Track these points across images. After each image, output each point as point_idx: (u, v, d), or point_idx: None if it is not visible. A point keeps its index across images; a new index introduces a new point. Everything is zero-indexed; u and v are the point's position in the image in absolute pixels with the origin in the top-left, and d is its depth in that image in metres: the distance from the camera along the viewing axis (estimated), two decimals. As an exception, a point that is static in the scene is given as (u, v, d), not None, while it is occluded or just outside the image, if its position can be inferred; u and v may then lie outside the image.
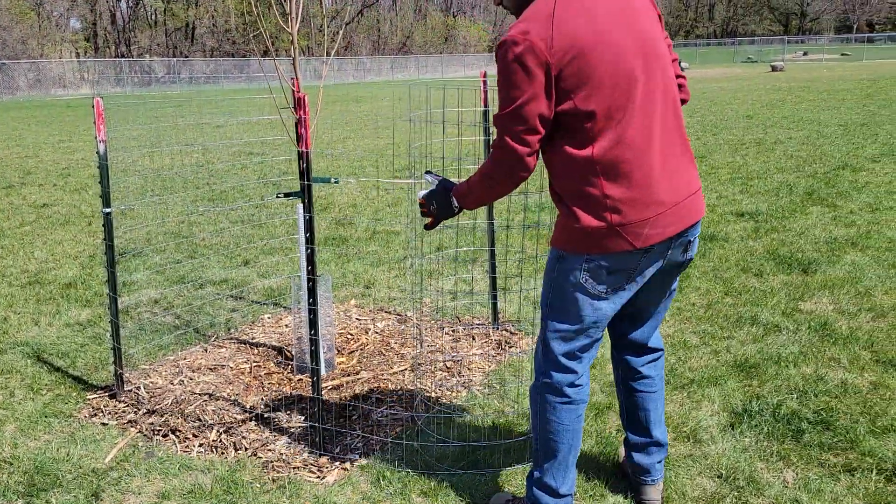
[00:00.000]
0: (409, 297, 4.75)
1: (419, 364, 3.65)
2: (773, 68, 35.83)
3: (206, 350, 3.96)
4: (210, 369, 3.70)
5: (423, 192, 2.44)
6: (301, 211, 3.53)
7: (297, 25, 3.40)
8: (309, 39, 68.49)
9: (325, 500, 2.66)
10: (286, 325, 4.27)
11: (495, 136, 2.10)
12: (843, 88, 20.54)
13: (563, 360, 2.23)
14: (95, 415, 3.38)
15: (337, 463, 2.86)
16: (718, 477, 2.66)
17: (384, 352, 3.81)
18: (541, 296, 2.30)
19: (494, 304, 4.02)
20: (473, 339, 3.94)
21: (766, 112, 15.57)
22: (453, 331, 4.06)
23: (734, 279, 4.69)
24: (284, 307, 4.65)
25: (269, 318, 4.44)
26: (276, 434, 3.07)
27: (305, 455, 2.92)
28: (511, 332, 4.01)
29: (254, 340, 4.06)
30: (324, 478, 2.79)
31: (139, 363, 3.86)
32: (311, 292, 2.80)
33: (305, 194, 2.71)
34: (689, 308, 4.26)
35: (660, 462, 2.52)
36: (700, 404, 3.16)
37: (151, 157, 11.83)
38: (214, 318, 4.50)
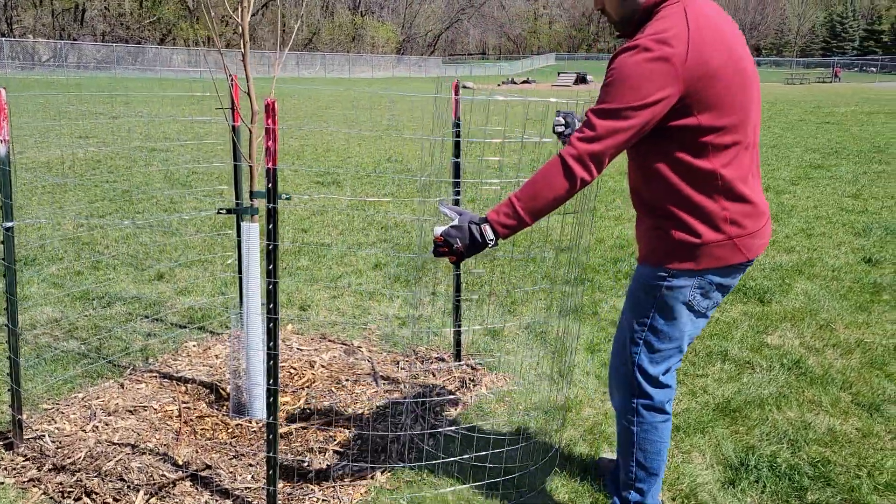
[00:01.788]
0: (352, 322, 4.32)
1: (377, 406, 3.24)
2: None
3: (122, 386, 3.40)
4: (129, 412, 3.16)
5: (440, 229, 2.07)
6: (248, 230, 3.06)
7: (248, 16, 2.95)
8: (209, 30, 66.00)
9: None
10: (216, 356, 3.75)
11: (582, 129, 1.96)
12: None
13: (663, 378, 2.24)
14: (-13, 471, 2.80)
15: (295, 535, 2.43)
16: (731, 547, 2.40)
17: (335, 390, 3.38)
18: (632, 317, 2.23)
19: (458, 338, 3.66)
20: (433, 375, 3.56)
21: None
22: (410, 366, 3.67)
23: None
24: (212, 332, 4.12)
25: (194, 346, 3.90)
26: (217, 498, 2.60)
27: (256, 525, 2.47)
28: (473, 368, 3.66)
29: (179, 374, 3.54)
30: (280, 554, 2.35)
31: (39, 401, 3.27)
32: (271, 335, 2.36)
33: (271, 218, 2.27)
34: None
35: None
36: (691, 456, 2.91)
37: (38, 149, 10.79)
38: (128, 345, 3.93)
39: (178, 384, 3.43)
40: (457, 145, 3.39)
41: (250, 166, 3.05)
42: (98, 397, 3.28)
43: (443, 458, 2.87)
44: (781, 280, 5.00)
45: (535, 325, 4.27)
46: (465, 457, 2.88)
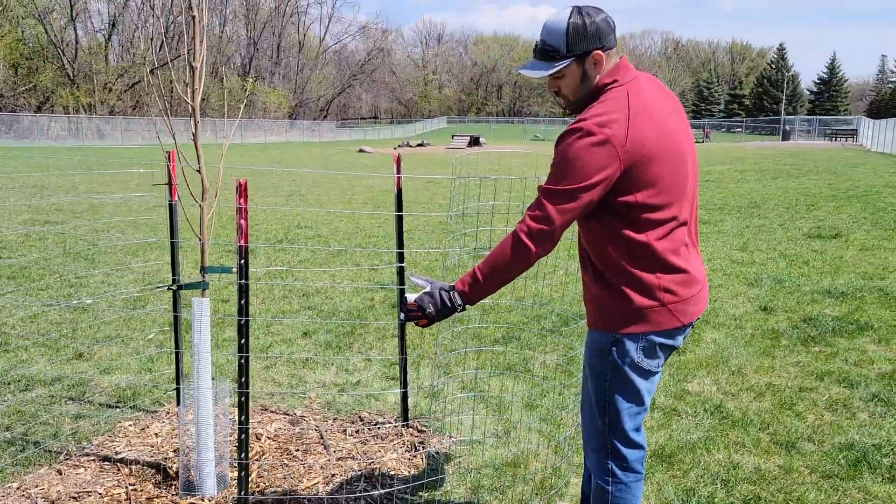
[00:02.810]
0: (290, 392, 4.31)
1: (332, 475, 3.26)
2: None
3: (59, 472, 3.27)
4: (73, 498, 3.04)
5: (412, 296, 2.23)
6: (199, 304, 3.08)
7: (200, 95, 3.03)
8: (92, 97, 64.01)
9: None
10: (156, 434, 3.66)
11: (534, 209, 2.14)
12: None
13: (633, 436, 2.35)
14: (-78, 573, 2.63)
15: None
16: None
17: (287, 462, 3.37)
18: (591, 381, 2.36)
19: (405, 399, 3.74)
20: (382, 439, 3.61)
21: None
22: (357, 431, 3.70)
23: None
24: (146, 410, 4.01)
25: (130, 425, 3.79)
26: (182, 580, 2.54)
27: None
28: (419, 430, 3.73)
29: (119, 455, 3.43)
30: None
31: (-32, 494, 3.10)
32: (243, 408, 2.38)
33: (243, 294, 2.32)
34: (585, 394, 4.25)
35: None
36: (637, 502, 3.08)
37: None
38: (57, 429, 3.78)
39: (119, 466, 3.32)
40: (399, 220, 3.53)
41: (201, 242, 3.08)
42: (36, 485, 3.14)
43: (405, 522, 2.92)
44: (692, 330, 5.37)
45: (473, 384, 4.40)
46: (426, 519, 2.95)
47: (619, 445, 2.35)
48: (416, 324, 2.31)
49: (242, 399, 2.36)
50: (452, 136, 50.04)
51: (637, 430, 2.36)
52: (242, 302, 2.32)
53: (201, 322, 3.08)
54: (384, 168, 24.24)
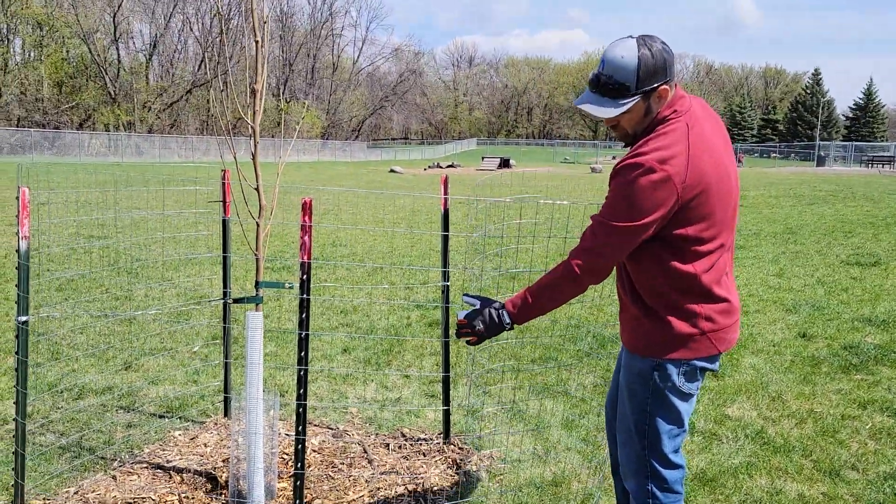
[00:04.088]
0: (332, 406, 4.39)
1: (377, 488, 3.32)
2: (593, 170, 38.90)
3: (114, 479, 3.38)
4: (129, 504, 3.15)
5: (463, 313, 2.34)
6: (253, 318, 3.18)
7: (259, 117, 3.15)
8: (132, 115, 65.45)
9: None
10: (205, 444, 3.76)
11: (588, 241, 2.19)
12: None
13: (673, 457, 2.38)
14: (-12, 571, 2.74)
15: None
16: None
17: (332, 475, 3.44)
18: (629, 405, 2.40)
19: (447, 416, 3.80)
20: (424, 455, 3.67)
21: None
22: (400, 447, 3.77)
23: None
24: (193, 421, 4.12)
25: (180, 434, 3.90)
26: (236, 585, 2.62)
27: None
28: (460, 447, 3.78)
29: (170, 464, 3.53)
30: None
31: (28, 497, 3.21)
32: (300, 419, 2.47)
33: (304, 309, 2.42)
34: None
35: None
36: (680, 524, 3.10)
37: (-28, 237, 10.47)
38: (110, 437, 3.89)
39: (171, 474, 3.43)
40: (445, 239, 3.62)
41: (257, 258, 3.19)
42: (93, 491, 3.25)
43: (450, 537, 2.97)
44: (730, 355, 5.36)
45: (512, 403, 4.45)
46: (470, 534, 3.00)
47: (658, 467, 2.37)
48: (467, 342, 2.40)
49: (300, 410, 2.44)
50: (483, 158, 50.27)
51: (676, 451, 2.39)
52: (304, 316, 2.41)
53: (254, 335, 3.19)
54: (416, 188, 24.43)
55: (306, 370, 2.44)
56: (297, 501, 2.46)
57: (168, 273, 8.30)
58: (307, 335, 2.43)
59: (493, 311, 2.34)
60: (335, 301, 7.14)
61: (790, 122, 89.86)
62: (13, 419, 2.83)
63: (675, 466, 2.39)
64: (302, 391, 2.45)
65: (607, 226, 2.15)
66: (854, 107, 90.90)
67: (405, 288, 7.84)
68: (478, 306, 2.38)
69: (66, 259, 9.08)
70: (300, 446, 2.46)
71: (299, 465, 2.46)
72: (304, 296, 2.41)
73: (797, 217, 15.03)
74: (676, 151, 2.10)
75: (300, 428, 2.45)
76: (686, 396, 2.34)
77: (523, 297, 2.32)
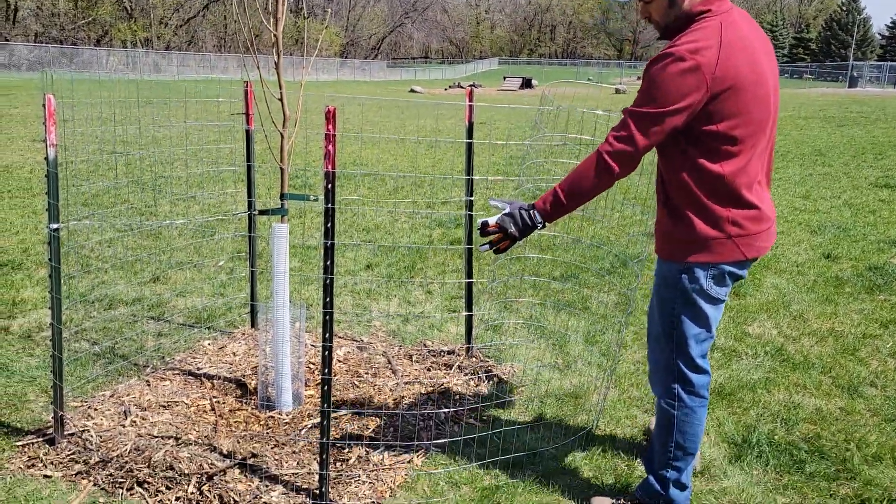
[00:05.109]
0: (356, 319, 4.47)
1: (401, 396, 3.41)
2: (617, 90, 38.08)
3: (147, 384, 3.49)
4: (163, 407, 3.26)
5: (493, 218, 2.38)
6: (278, 230, 3.21)
7: (282, 23, 3.09)
8: (148, 31, 64.55)
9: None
10: (233, 353, 3.86)
11: (619, 130, 2.22)
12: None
13: (700, 362, 2.44)
14: (33, 465, 2.87)
15: (348, 515, 2.59)
16: (746, 512, 2.66)
17: (357, 384, 3.53)
18: (659, 310, 2.45)
19: (469, 323, 3.85)
20: (447, 366, 3.75)
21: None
22: (423, 358, 3.84)
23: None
24: (221, 331, 4.22)
25: (208, 344, 4.00)
26: (267, 483, 2.73)
27: (309, 507, 2.62)
28: (481, 359, 3.85)
29: (201, 371, 3.64)
30: (337, 533, 2.51)
31: (66, 400, 3.34)
32: (327, 327, 2.52)
33: (330, 219, 2.43)
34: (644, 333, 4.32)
35: None
36: (697, 434, 3.17)
37: (-3, 152, 10.55)
38: (141, 345, 4.01)
39: (202, 380, 3.53)
40: (469, 147, 3.59)
41: (281, 169, 3.19)
42: (128, 394, 3.36)
43: (473, 435, 3.06)
44: (752, 275, 5.35)
45: (532, 317, 4.50)
46: (493, 431, 3.09)
47: (685, 370, 2.44)
48: (497, 249, 2.42)
49: (327, 318, 2.48)
50: (504, 78, 49.31)
51: (703, 356, 2.45)
52: (328, 226, 2.42)
53: (280, 246, 3.22)
54: (437, 107, 24.11)
55: (332, 279, 2.47)
56: (325, 405, 2.54)
57: (191, 189, 8.34)
58: (332, 244, 2.44)
59: (523, 212, 2.38)
60: (357, 219, 7.17)
61: (823, 41, 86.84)
62: (49, 324, 2.91)
63: (702, 371, 2.45)
64: (328, 300, 2.48)
65: (637, 113, 2.20)
66: (891, 24, 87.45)
67: (427, 206, 7.84)
68: (506, 210, 2.42)
69: (91, 174, 9.15)
70: (327, 353, 2.51)
71: (326, 370, 2.52)
72: (329, 205, 2.42)
73: (826, 139, 14.71)
74: (708, 44, 2.13)
75: (327, 335, 2.50)
76: (714, 301, 2.37)
77: (553, 194, 2.35)
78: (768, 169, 2.38)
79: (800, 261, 5.78)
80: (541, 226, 2.36)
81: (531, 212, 2.37)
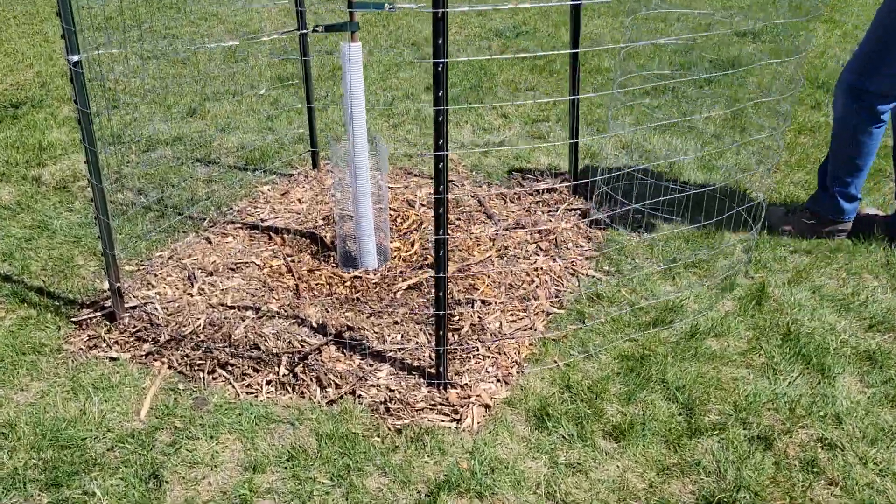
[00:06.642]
0: (430, 154, 3.90)
1: (504, 246, 2.92)
2: None
3: (208, 241, 3.03)
4: (232, 270, 2.81)
5: None
6: (349, 51, 2.57)
7: None
8: None
9: (481, 456, 2.00)
10: (299, 201, 3.36)
11: None
12: None
13: (890, 84, 2.66)
14: (95, 345, 2.48)
15: (472, 399, 2.19)
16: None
17: (451, 233, 3.03)
18: (872, 30, 2.66)
19: (574, 153, 3.26)
20: (546, 205, 3.22)
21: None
22: (518, 198, 3.31)
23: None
24: (280, 174, 3.70)
25: (268, 190, 3.50)
26: (370, 362, 2.32)
27: (424, 390, 2.21)
28: (585, 196, 3.31)
29: (265, 223, 3.16)
30: (462, 421, 2.12)
31: (122, 265, 2.90)
32: (441, 176, 1.97)
33: (440, 33, 1.80)
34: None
35: None
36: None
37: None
38: (192, 193, 3.51)
39: (270, 235, 3.06)
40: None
41: (350, -28, 2.50)
42: (188, 255, 2.91)
43: (598, 290, 2.60)
44: None
45: (633, 142, 3.90)
46: (620, 284, 2.62)
47: (873, 96, 2.69)
48: None
49: (440, 165, 1.94)
50: None
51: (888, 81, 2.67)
52: (440, 41, 1.80)
53: (355, 72, 2.60)
54: None
55: (445, 111, 1.89)
56: (441, 272, 2.06)
57: (211, 7, 7.48)
58: (444, 65, 1.83)
59: None
60: (402, 32, 6.36)
61: None
62: (88, 181, 2.40)
63: (889, 97, 2.71)
64: (441, 141, 1.92)
65: None
66: None
67: (478, 15, 6.96)
68: None
69: (100, -5, 8.26)
70: (441, 210, 1.99)
71: (441, 231, 2.01)
72: (440, 9, 1.78)
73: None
74: None
75: (441, 188, 1.96)
76: None
77: None
78: None
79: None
80: None
81: None
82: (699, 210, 3.18)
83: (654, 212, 3.16)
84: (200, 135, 4.22)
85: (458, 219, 3.14)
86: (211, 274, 2.77)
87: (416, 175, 3.61)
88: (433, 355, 2.29)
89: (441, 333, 2.14)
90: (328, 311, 2.54)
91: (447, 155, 1.96)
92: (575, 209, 3.20)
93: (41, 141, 4.13)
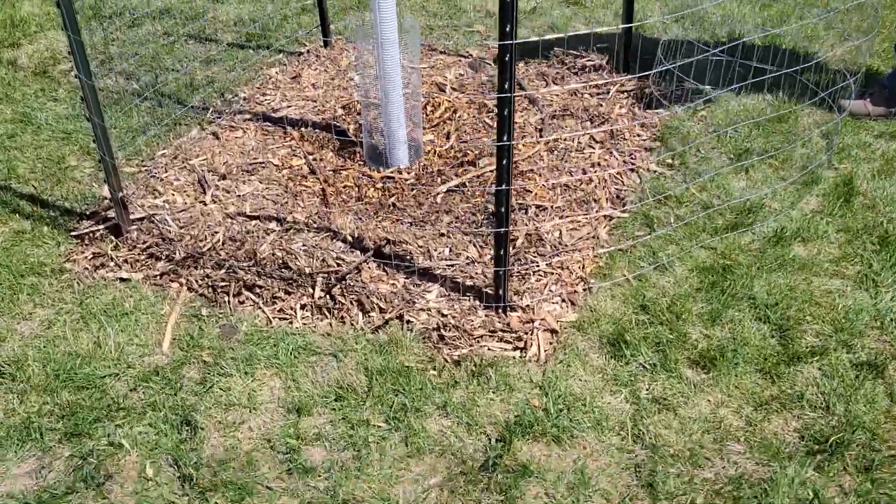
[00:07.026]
0: (453, 26, 3.47)
1: (555, 141, 2.58)
2: None
3: (216, 136, 2.68)
4: (247, 172, 2.48)
5: None
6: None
7: None
8: None
9: (554, 391, 1.77)
10: (312, 85, 2.97)
11: None
12: None
13: None
14: (102, 265, 2.20)
15: (536, 323, 1.93)
16: None
17: (489, 122, 2.68)
18: None
19: (629, 17, 2.84)
20: (596, 87, 2.85)
21: None
22: (561, 77, 2.93)
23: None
24: (287, 52, 3.28)
25: (276, 73, 3.10)
26: (417, 282, 2.05)
27: (481, 314, 1.96)
28: (638, 76, 2.93)
29: (278, 113, 2.79)
30: (527, 350, 1.88)
31: (121, 167, 2.56)
32: (507, 70, 1.62)
33: None
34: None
35: None
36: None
37: None
38: (191, 78, 3.11)
39: (284, 129, 2.70)
40: None
41: None
42: (196, 154, 2.57)
43: (665, 193, 2.31)
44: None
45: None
46: (690, 182, 2.32)
47: None
48: None
49: (507, 57, 1.58)
50: None
51: None
52: None
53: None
54: None
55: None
56: (504, 184, 1.75)
57: None
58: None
59: None
60: None
61: None
62: (74, 75, 2.02)
63: None
64: (508, 28, 1.55)
65: None
66: None
67: None
68: None
69: None
70: (506, 110, 1.65)
71: (506, 135, 1.68)
72: None
73: None
74: None
75: (507, 85, 1.62)
76: None
77: None
78: None
79: None
80: None
81: None
82: (774, 88, 2.82)
83: (719, 91, 2.80)
84: (189, 6, 3.74)
85: (491, 101, 2.77)
86: (224, 177, 2.45)
87: (441, 52, 3.20)
88: (487, 272, 2.02)
89: (502, 253, 1.86)
90: (362, 221, 2.24)
91: (514, 45, 1.60)
92: (625, 90, 2.84)
93: (13, 16, 3.66)
